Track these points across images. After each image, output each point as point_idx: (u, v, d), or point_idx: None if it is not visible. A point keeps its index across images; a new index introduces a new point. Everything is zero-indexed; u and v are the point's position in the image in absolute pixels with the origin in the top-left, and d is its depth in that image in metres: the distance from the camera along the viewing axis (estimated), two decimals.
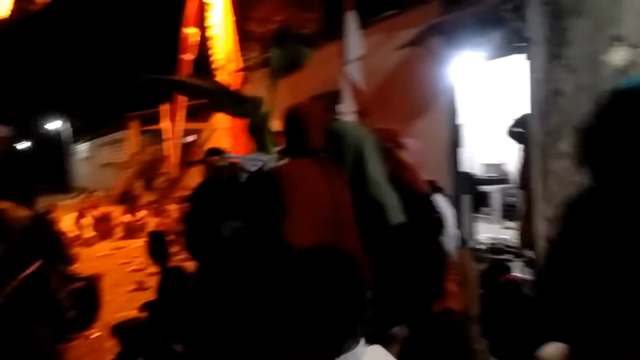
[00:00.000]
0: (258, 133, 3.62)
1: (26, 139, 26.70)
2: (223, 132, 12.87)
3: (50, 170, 26.32)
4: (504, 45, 5.10)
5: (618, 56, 4.03)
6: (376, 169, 2.31)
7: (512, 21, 4.67)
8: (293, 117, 2.31)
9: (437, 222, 2.48)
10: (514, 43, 4.95)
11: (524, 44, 4.77)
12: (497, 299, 3.32)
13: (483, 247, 5.54)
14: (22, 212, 4.17)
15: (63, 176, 28.22)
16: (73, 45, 29.11)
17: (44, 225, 4.13)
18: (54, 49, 29.52)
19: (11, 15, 7.09)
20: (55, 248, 4.28)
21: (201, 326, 2.57)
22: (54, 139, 30.90)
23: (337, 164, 2.29)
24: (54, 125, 31.05)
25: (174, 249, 6.88)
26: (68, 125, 29.78)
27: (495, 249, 5.42)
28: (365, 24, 5.91)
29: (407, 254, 2.23)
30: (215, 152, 3.89)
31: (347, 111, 5.02)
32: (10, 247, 4.23)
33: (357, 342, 1.31)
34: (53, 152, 29.54)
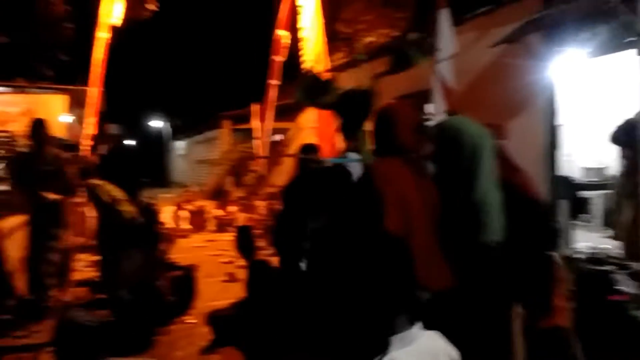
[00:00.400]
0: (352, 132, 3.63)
1: (133, 136, 28.98)
2: (309, 131, 13.14)
3: (152, 165, 28.38)
4: (611, 41, 4.73)
5: None
6: (488, 173, 2.19)
7: (622, 14, 4.32)
8: (383, 117, 2.31)
9: (553, 233, 2.33)
10: (623, 38, 4.58)
11: (635, 39, 4.40)
12: (603, 318, 3.07)
13: (582, 256, 5.18)
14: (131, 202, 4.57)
15: (163, 171, 30.30)
16: (173, 49, 31.15)
17: (151, 215, 4.51)
18: (157, 53, 31.77)
19: (122, 24, 7.76)
20: (158, 236, 4.66)
21: (284, 319, 2.64)
22: (156, 136, 33.27)
23: (441, 163, 2.22)
24: (157, 123, 33.40)
25: (261, 243, 7.17)
26: (168, 124, 31.91)
27: (596, 259, 5.06)
28: (458, 21, 5.75)
29: (513, 264, 2.11)
30: (310, 148, 3.93)
31: (437, 111, 4.92)
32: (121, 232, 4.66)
33: (411, 325, 1.58)
34: (155, 148, 31.83)
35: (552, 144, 5.54)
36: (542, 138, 5.52)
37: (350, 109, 3.40)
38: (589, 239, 5.48)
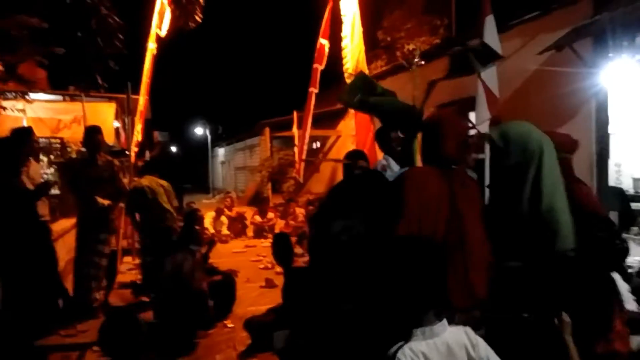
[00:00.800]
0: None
1: (177, 143, 29.79)
2: (348, 139, 13.13)
3: (195, 171, 29.03)
4: None
5: None
6: (554, 180, 2.14)
7: None
8: (431, 127, 2.32)
9: (619, 250, 2.23)
10: None
11: None
12: None
13: (633, 271, 4.94)
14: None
15: (204, 177, 30.94)
16: (217, 58, 31.90)
17: (195, 219, 4.62)
18: (201, 63, 32.62)
19: (168, 34, 8.00)
20: (201, 240, 4.74)
21: (321, 324, 2.62)
22: (199, 143, 34.05)
23: (503, 169, 2.20)
24: (200, 131, 34.18)
25: (298, 250, 7.19)
26: (210, 131, 32.58)
27: None
28: (504, 27, 5.64)
29: (574, 282, 2.05)
30: (356, 154, 3.92)
31: (480, 119, 4.82)
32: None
33: (437, 320, 1.69)
34: (197, 155, 32.58)
35: (602, 154, 5.34)
36: (592, 147, 5.33)
37: (402, 119, 3.37)
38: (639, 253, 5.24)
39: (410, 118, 3.17)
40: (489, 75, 5.09)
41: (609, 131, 5.40)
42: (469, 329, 1.75)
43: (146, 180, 5.73)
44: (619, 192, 5.42)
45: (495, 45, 4.98)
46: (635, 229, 5.76)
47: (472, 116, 6.57)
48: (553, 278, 2.04)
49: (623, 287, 2.37)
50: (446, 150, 2.22)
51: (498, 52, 5.08)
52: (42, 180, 4.98)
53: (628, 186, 5.86)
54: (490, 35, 4.98)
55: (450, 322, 1.77)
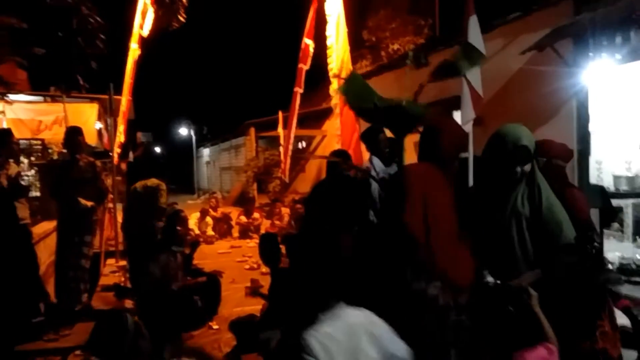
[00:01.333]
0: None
1: (161, 143, 29.55)
2: (333, 138, 13.16)
3: (179, 172, 28.78)
4: None
5: None
6: (546, 182, 2.31)
7: None
8: (432, 131, 2.49)
9: (596, 253, 2.31)
10: None
11: None
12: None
13: (613, 267, 5.04)
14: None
15: (189, 178, 30.73)
16: (201, 58, 31.71)
17: (178, 220, 4.56)
18: (185, 62, 32.40)
19: (150, 34, 7.92)
20: (183, 241, 4.70)
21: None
22: (183, 143, 33.81)
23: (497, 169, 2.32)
24: (184, 131, 33.92)
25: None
26: (194, 131, 32.38)
27: (627, 269, 4.93)
28: (487, 28, 5.69)
29: (565, 286, 2.14)
30: (340, 153, 3.97)
31: (466, 118, 4.86)
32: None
33: (337, 303, 1.87)
34: (182, 155, 32.33)
35: (583, 152, 5.42)
36: (574, 145, 5.40)
37: (395, 119, 3.41)
38: (619, 249, 5.33)
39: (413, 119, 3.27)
40: (474, 75, 5.14)
41: (590, 129, 5.48)
42: (366, 311, 1.91)
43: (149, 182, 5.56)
44: (599, 189, 5.50)
45: (479, 45, 5.02)
46: (615, 225, 5.87)
47: (456, 115, 6.64)
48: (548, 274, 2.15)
49: None
50: (446, 153, 2.41)
51: (482, 52, 5.14)
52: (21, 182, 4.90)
53: (609, 183, 5.96)
54: (474, 35, 5.02)
55: (455, 302, 1.89)
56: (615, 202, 5.70)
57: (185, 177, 30.83)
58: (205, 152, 30.06)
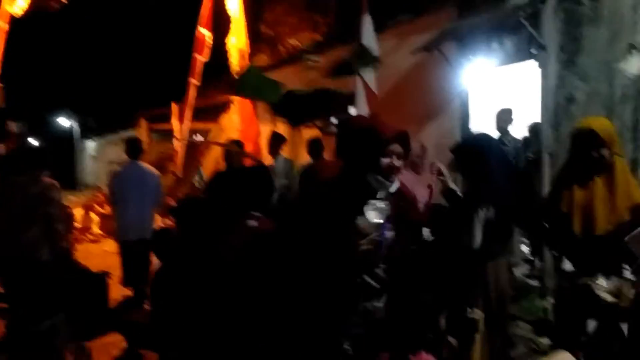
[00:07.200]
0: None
1: (38, 135, 26.94)
2: (231, 132, 12.92)
3: (60, 166, 26.39)
4: (517, 51, 5.10)
5: (634, 64, 4.03)
6: None
7: (527, 28, 4.67)
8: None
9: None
10: (527, 50, 4.96)
11: (538, 51, 4.78)
12: None
13: None
14: None
15: (72, 172, 28.39)
16: (84, 43, 29.35)
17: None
18: (66, 47, 29.78)
19: (26, 14, 7.15)
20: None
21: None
22: (65, 135, 31.11)
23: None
24: (65, 122, 31.27)
25: None
26: (78, 122, 30.02)
27: None
28: (380, 27, 5.92)
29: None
30: (237, 143, 3.95)
31: (360, 114, 5.02)
32: None
33: None
34: (63, 148, 29.71)
35: None
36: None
37: (297, 111, 3.50)
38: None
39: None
40: (368, 73, 5.33)
41: (470, 127, 5.93)
42: None
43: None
44: None
45: (372, 43, 5.21)
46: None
47: (352, 111, 6.81)
48: None
49: None
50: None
51: (375, 50, 5.34)
52: None
53: None
54: (368, 34, 5.20)
55: None
56: None
57: (68, 171, 28.45)
58: (91, 145, 28.08)
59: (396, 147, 1.97)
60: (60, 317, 3.83)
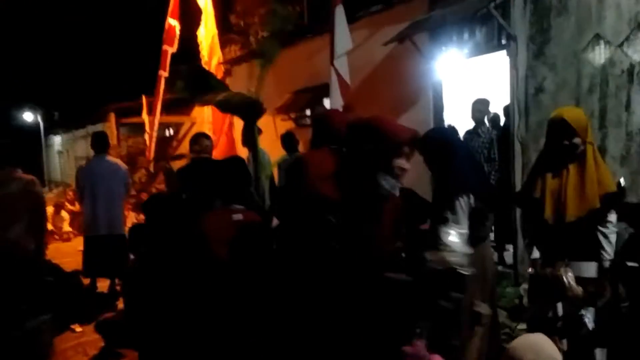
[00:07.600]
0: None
1: (1, 130, 26.03)
2: (203, 126, 12.73)
3: (25, 162, 25.51)
4: (487, 42, 5.18)
5: (599, 54, 4.14)
6: None
7: (497, 19, 4.74)
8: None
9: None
10: (498, 40, 5.04)
11: (508, 42, 4.86)
12: None
13: None
14: None
15: (38, 169, 27.55)
16: (50, 33, 28.40)
17: None
18: (30, 38, 28.77)
19: None
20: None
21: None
22: (29, 130, 30.13)
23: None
24: (29, 116, 30.27)
25: None
26: (43, 116, 29.07)
27: None
28: (352, 18, 5.92)
29: None
30: (204, 136, 3.93)
31: (334, 105, 5.03)
32: None
33: None
34: (27, 144, 28.76)
35: None
36: None
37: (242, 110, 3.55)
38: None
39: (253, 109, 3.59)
40: (341, 63, 5.33)
41: (444, 117, 6.00)
42: None
43: None
44: None
45: (344, 34, 5.21)
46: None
47: (326, 102, 6.82)
48: None
49: None
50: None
51: (348, 41, 5.34)
52: None
53: None
54: (340, 24, 5.20)
55: None
56: None
57: (33, 168, 27.60)
58: (57, 140, 27.23)
59: (406, 149, 1.93)
60: (46, 317, 3.74)
